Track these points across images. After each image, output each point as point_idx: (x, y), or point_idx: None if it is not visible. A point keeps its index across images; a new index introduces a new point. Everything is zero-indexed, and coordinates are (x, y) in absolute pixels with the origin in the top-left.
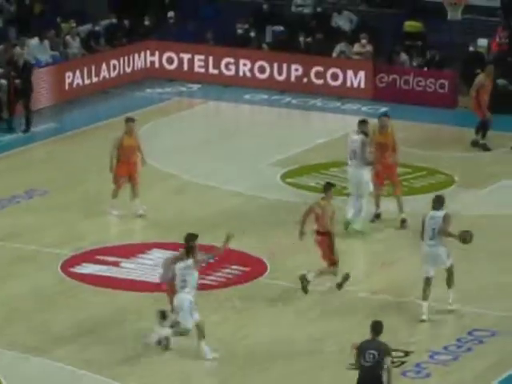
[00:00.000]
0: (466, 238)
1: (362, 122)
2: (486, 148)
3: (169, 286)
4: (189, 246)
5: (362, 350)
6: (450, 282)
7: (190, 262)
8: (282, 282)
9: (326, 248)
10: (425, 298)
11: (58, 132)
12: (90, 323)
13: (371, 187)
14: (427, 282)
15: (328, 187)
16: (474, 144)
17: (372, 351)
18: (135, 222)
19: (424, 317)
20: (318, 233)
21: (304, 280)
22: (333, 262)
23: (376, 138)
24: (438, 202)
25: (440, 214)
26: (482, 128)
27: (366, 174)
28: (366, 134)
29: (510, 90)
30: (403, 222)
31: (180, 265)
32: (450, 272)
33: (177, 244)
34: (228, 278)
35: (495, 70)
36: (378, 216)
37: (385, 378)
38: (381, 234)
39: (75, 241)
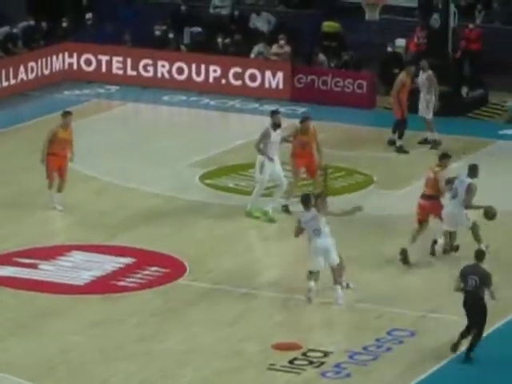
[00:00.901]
0: (488, 212)
1: (272, 113)
2: (402, 150)
3: None
4: (307, 199)
5: (464, 275)
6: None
7: (313, 211)
8: (202, 284)
9: (426, 211)
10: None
11: None
12: (9, 326)
13: (260, 177)
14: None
15: (444, 156)
16: (391, 143)
17: (473, 277)
18: (55, 223)
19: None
20: (424, 196)
21: (405, 253)
22: (420, 222)
23: (299, 137)
24: (472, 170)
25: (467, 181)
26: (400, 128)
27: (259, 163)
28: (276, 125)
29: None
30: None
31: (305, 218)
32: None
33: (96, 246)
34: (147, 280)
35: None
36: (285, 207)
37: (487, 300)
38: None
39: None
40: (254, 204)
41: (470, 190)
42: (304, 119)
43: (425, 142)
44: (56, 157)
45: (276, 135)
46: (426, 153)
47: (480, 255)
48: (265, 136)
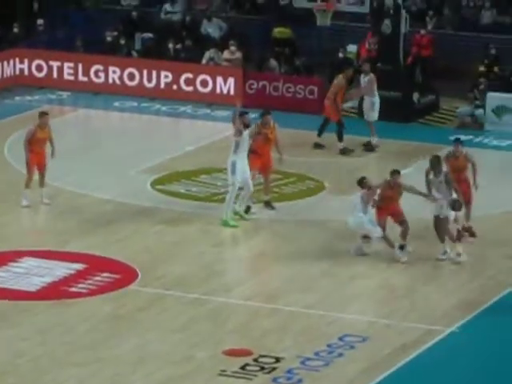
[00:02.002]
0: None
1: (240, 114)
2: (347, 151)
3: None
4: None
5: None
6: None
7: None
8: (153, 290)
9: None
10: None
11: None
12: None
13: (232, 178)
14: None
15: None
16: (317, 146)
17: None
18: (7, 229)
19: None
20: None
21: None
22: None
23: (263, 132)
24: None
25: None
26: (339, 131)
27: (230, 163)
28: (246, 125)
29: (378, 95)
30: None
31: None
32: None
33: (48, 252)
34: (98, 286)
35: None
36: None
37: None
38: (253, 239)
39: None
40: (229, 210)
41: None
42: (264, 113)
43: (367, 145)
44: (35, 154)
45: (246, 135)
46: (375, 157)
47: None
48: (236, 134)
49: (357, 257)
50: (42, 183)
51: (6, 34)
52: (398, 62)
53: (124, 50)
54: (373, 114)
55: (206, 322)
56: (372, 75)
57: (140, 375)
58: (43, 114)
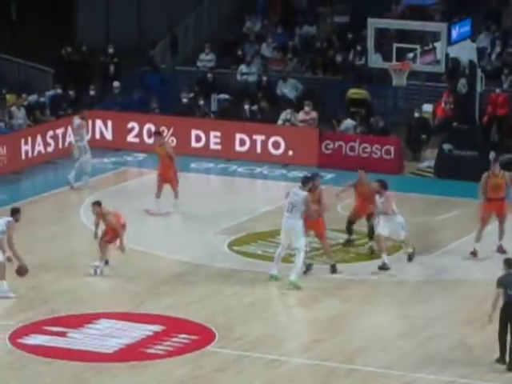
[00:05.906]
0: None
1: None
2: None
3: None
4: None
5: (507, 284)
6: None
7: None
8: (230, 351)
9: None
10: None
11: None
12: None
13: (303, 241)
14: None
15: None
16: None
17: None
18: (82, 291)
19: None
20: None
21: None
22: None
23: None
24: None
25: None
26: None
27: (301, 228)
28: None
29: (455, 154)
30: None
31: None
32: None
33: (125, 314)
34: (176, 347)
35: (441, 135)
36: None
37: None
38: (330, 300)
39: (22, 312)
40: (299, 273)
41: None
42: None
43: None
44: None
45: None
46: (452, 216)
47: (510, 262)
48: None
49: (433, 317)
50: (175, 194)
51: (83, 97)
52: (474, 121)
53: (200, 112)
54: (403, 232)
55: (283, 383)
56: (388, 193)
57: None
58: (156, 133)
